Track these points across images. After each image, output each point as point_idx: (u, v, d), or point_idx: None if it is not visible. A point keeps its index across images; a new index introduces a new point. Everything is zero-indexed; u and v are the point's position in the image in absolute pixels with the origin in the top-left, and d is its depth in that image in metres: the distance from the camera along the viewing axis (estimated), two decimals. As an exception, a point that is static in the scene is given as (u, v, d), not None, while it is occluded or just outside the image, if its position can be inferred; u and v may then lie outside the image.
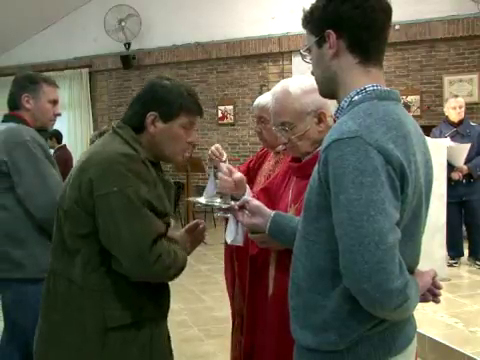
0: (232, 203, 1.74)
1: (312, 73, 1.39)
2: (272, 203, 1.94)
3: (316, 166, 1.23)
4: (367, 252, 1.08)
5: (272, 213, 1.63)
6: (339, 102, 1.32)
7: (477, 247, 5.36)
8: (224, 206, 1.77)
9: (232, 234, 1.99)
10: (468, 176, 5.24)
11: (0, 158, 2.31)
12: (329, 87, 1.34)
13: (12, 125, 2.44)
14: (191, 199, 2.11)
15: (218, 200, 1.88)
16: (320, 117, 1.74)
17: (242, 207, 1.67)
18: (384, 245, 1.09)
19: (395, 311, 1.14)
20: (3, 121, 2.58)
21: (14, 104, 2.55)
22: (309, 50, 1.35)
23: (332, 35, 1.26)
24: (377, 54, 1.29)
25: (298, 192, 1.75)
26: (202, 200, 1.95)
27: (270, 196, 1.97)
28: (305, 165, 1.76)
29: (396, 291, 1.10)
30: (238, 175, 1.94)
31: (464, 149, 5.13)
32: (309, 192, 1.27)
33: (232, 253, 2.42)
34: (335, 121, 1.37)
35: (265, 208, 1.65)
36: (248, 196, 1.90)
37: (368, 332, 1.21)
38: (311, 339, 1.25)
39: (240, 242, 2.00)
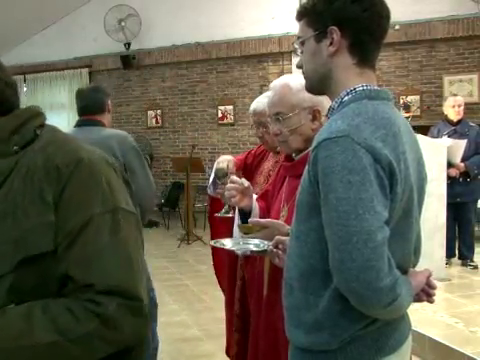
0: (265, 245, 1.65)
1: (298, 66, 1.39)
2: (269, 205, 1.95)
3: (306, 166, 1.24)
4: (355, 250, 1.09)
5: None
6: (331, 99, 1.33)
7: (468, 250, 5.38)
8: (256, 249, 1.69)
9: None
10: (464, 175, 5.24)
11: (119, 159, 2.66)
12: (320, 83, 1.34)
13: (116, 131, 2.94)
14: (213, 243, 1.86)
15: (246, 242, 1.76)
16: (314, 114, 1.75)
17: (276, 247, 1.59)
18: (372, 243, 1.09)
19: (385, 309, 1.14)
20: (85, 124, 2.86)
21: (100, 109, 2.91)
22: (302, 43, 1.34)
23: (337, 33, 1.26)
24: (373, 58, 1.31)
25: (290, 191, 1.75)
26: (228, 244, 1.81)
27: (268, 201, 1.97)
28: (297, 164, 1.76)
29: (385, 289, 1.10)
30: (246, 184, 1.90)
31: (460, 146, 5.13)
32: (300, 192, 1.28)
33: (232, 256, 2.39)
34: None
35: None
36: (255, 209, 1.89)
37: (361, 331, 1.21)
38: (304, 339, 1.26)
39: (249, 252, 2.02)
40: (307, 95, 1.71)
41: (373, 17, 1.25)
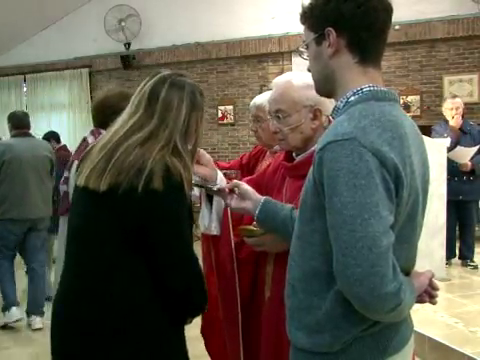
0: (223, 185, 1.71)
1: (308, 70, 1.38)
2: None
3: (311, 167, 1.23)
4: (360, 256, 1.07)
5: (262, 198, 1.63)
6: (336, 100, 1.31)
7: (468, 249, 5.38)
8: (214, 188, 1.73)
9: (205, 221, 1.91)
10: (469, 174, 5.25)
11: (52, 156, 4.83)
12: (326, 85, 1.33)
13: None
14: None
15: (206, 183, 1.84)
16: (315, 113, 1.73)
17: (231, 191, 1.67)
18: (377, 249, 1.08)
19: (388, 314, 1.13)
20: (27, 135, 4.72)
21: (30, 126, 4.80)
22: (307, 46, 1.34)
23: (332, 33, 1.25)
24: (376, 54, 1.29)
25: (292, 192, 1.74)
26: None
27: (261, 190, 1.94)
28: (298, 165, 1.75)
29: (389, 295, 1.09)
30: (203, 152, 1.87)
31: (470, 152, 5.15)
32: (304, 193, 1.27)
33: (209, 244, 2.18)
34: (331, 121, 1.36)
35: (255, 193, 1.65)
36: (222, 182, 1.86)
37: (362, 333, 1.21)
38: (305, 340, 1.25)
39: (214, 231, 1.92)
40: (309, 93, 1.70)
41: (368, 12, 1.22)
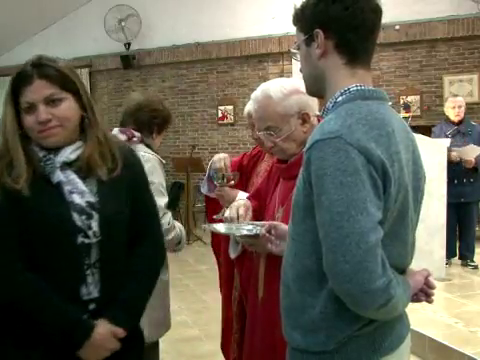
0: (259, 229, 1.63)
1: (300, 70, 1.40)
2: (262, 206, 1.93)
3: (301, 168, 1.23)
4: (348, 252, 1.09)
5: None
6: (326, 101, 1.32)
7: (468, 250, 5.38)
8: (250, 233, 1.66)
9: (235, 247, 1.97)
10: (469, 175, 5.26)
11: None
12: (316, 85, 1.34)
13: None
14: (207, 226, 1.89)
15: (239, 226, 1.74)
16: (304, 118, 1.75)
17: (269, 232, 1.60)
18: (365, 245, 1.08)
19: (379, 311, 1.14)
20: None
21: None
22: (299, 47, 1.35)
23: (320, 35, 1.26)
24: (365, 55, 1.29)
25: (285, 193, 1.74)
26: (221, 228, 1.79)
27: (260, 200, 1.96)
28: (291, 166, 1.76)
29: (378, 291, 1.10)
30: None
31: (476, 150, 5.16)
32: (296, 194, 1.27)
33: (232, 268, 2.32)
34: (319, 121, 1.36)
35: None
36: (242, 199, 1.89)
37: (357, 332, 1.21)
38: (301, 340, 1.26)
39: (239, 253, 1.99)
40: (291, 101, 1.73)
41: (356, 14, 1.23)
